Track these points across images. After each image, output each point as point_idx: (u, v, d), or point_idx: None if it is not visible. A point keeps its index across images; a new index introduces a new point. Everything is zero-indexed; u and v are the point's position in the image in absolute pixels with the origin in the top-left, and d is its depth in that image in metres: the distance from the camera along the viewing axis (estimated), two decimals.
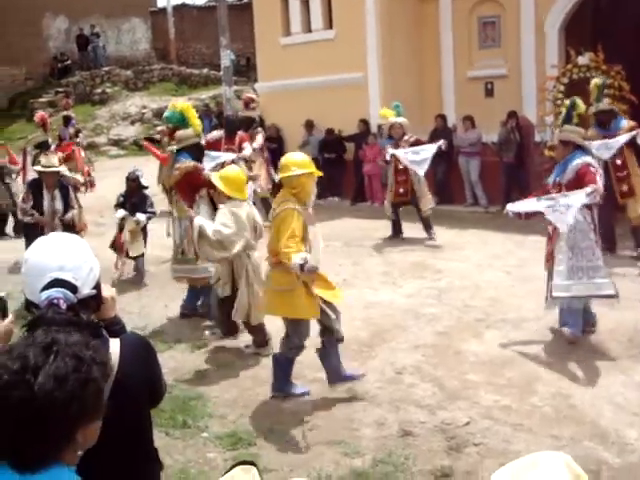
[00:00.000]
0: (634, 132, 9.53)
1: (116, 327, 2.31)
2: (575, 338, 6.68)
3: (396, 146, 11.27)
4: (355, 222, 13.27)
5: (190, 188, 7.86)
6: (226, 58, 16.50)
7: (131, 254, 9.65)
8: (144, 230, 9.88)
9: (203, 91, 26.61)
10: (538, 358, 6.51)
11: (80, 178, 11.15)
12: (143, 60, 29.61)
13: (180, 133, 8.05)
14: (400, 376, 6.27)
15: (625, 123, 9.84)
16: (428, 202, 11.43)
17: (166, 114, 8.60)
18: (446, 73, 15.71)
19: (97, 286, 2.22)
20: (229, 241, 6.56)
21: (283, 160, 5.85)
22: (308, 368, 6.51)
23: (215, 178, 6.86)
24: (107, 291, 2.32)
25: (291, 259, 5.32)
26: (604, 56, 12.23)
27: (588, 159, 6.70)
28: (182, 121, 8.13)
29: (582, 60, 12.40)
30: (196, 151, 8.05)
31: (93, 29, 28.25)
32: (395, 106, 11.66)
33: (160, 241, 12.19)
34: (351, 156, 15.55)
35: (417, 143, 11.40)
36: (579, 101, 7.21)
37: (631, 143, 9.73)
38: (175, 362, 6.88)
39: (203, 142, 8.77)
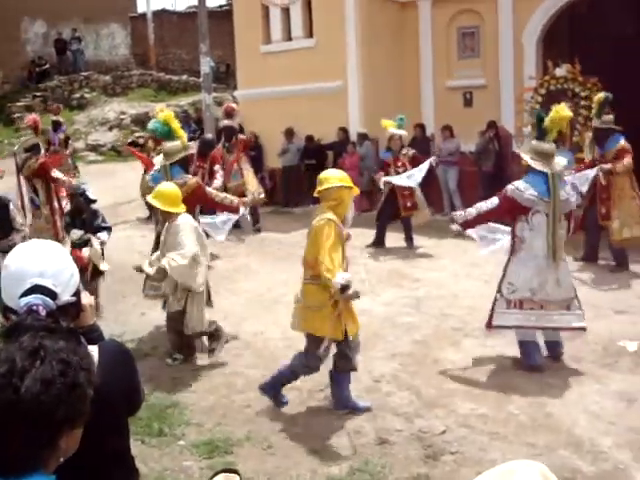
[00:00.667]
0: (605, 166, 9.57)
1: (94, 334, 2.30)
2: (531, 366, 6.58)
3: (395, 160, 11.33)
4: None
5: (194, 204, 7.81)
6: (206, 65, 16.51)
7: (102, 268, 9.04)
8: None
9: (182, 97, 26.55)
10: (515, 367, 6.56)
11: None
12: (122, 65, 29.49)
13: (169, 146, 7.90)
14: (377, 384, 6.28)
15: (619, 143, 9.78)
16: (425, 216, 11.57)
17: (151, 126, 8.41)
18: (425, 83, 15.83)
19: (77, 293, 2.21)
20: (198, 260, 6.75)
21: (322, 174, 5.80)
22: None
23: (150, 198, 6.96)
24: (86, 298, 2.31)
25: (333, 278, 5.30)
26: (581, 68, 12.38)
27: (518, 183, 6.58)
28: (168, 133, 7.98)
29: (559, 72, 12.54)
30: (186, 164, 8.05)
31: (74, 33, 28.07)
32: (399, 119, 11.68)
33: (138, 248, 12.17)
34: (330, 164, 15.56)
35: (415, 159, 11.48)
36: (543, 113, 6.97)
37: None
38: (152, 370, 6.84)
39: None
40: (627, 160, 9.60)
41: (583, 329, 6.57)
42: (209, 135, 14.32)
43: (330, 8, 15.26)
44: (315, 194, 5.74)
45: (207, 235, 7.87)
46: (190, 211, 7.81)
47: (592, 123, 10.04)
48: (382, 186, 11.42)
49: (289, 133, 15.86)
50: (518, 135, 13.77)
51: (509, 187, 6.58)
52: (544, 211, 6.36)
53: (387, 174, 11.49)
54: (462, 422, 5.52)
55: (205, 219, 8.53)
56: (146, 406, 5.92)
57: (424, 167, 11.18)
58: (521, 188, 6.45)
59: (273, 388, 5.90)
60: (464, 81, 15.38)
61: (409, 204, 11.46)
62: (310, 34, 15.91)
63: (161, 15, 31.09)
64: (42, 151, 10.93)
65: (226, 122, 12.95)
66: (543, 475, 1.59)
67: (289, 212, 15.36)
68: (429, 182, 14.42)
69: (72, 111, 25.67)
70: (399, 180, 11.12)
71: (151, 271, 6.76)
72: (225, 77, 28.23)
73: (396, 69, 15.91)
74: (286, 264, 10.68)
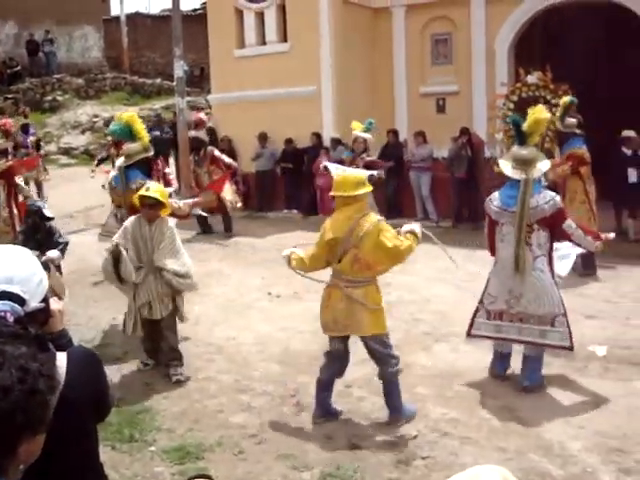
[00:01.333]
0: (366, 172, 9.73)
1: (63, 341, 2.28)
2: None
3: (353, 160, 11.33)
4: (307, 235, 13.27)
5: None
6: (179, 69, 16.45)
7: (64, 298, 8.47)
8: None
9: (156, 101, 26.45)
10: (486, 372, 6.60)
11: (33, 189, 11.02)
12: (95, 68, 29.28)
13: (128, 147, 7.75)
14: (349, 389, 6.29)
15: (573, 148, 9.90)
16: None
17: (111, 127, 8.23)
18: (399, 89, 15.91)
19: (45, 299, 2.19)
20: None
21: (353, 177, 5.73)
22: (258, 382, 6.51)
23: (158, 194, 6.62)
24: (55, 304, 2.29)
25: (414, 242, 5.58)
26: (552, 75, 12.51)
27: (492, 194, 6.51)
28: (128, 134, 7.78)
29: (531, 79, 12.66)
30: (145, 166, 7.84)
31: (47, 35, 27.83)
32: (368, 122, 11.69)
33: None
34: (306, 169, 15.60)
35: (368, 165, 11.40)
36: (519, 118, 6.70)
37: (577, 170, 9.92)
38: (123, 375, 6.81)
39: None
40: (564, 168, 9.76)
41: (567, 348, 6.23)
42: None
43: (304, 13, 15.29)
44: (350, 194, 5.57)
45: None
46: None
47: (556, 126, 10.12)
48: (321, 167, 11.28)
49: (262, 138, 15.84)
50: (490, 141, 13.90)
51: (486, 200, 6.57)
52: (510, 222, 6.20)
53: None
54: (433, 427, 5.55)
55: None
56: (117, 411, 5.88)
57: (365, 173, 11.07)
58: (492, 199, 6.41)
59: (401, 405, 5.70)
60: (437, 87, 15.48)
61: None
62: (284, 39, 15.92)
63: (135, 18, 30.91)
64: (10, 154, 10.82)
65: (193, 133, 12.85)
66: (505, 479, 1.61)
67: (263, 217, 15.34)
68: (402, 188, 14.53)
69: (44, 114, 25.44)
70: (335, 171, 10.95)
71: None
72: (199, 81, 28.15)
73: (370, 75, 15.99)
74: (259, 269, 10.68)
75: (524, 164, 6.23)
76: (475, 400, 6.02)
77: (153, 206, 6.59)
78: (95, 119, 24.82)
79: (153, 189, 6.68)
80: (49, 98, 26.10)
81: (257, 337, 7.76)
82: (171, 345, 6.81)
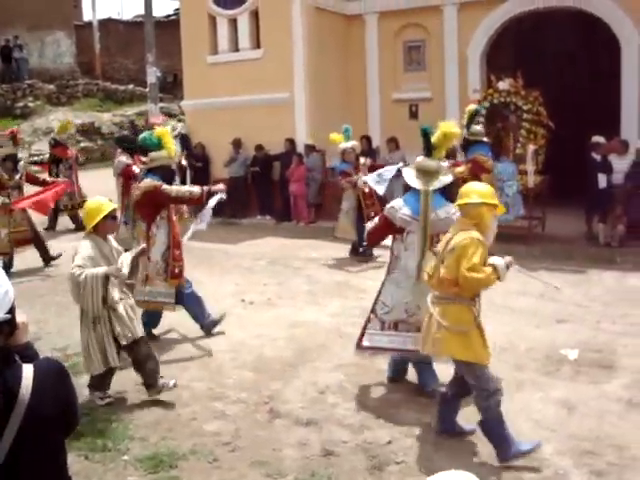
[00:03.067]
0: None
1: (29, 352, 2.26)
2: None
3: (356, 170, 11.34)
4: (280, 241, 13.31)
5: (150, 208, 7.66)
6: (152, 75, 16.43)
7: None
8: None
9: (129, 107, 26.34)
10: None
11: None
12: (67, 74, 29.07)
13: (153, 154, 7.81)
14: (323, 396, 6.29)
15: (474, 154, 10.03)
16: (346, 232, 11.62)
17: (143, 136, 8.28)
18: (372, 95, 16.00)
19: (11, 310, 2.17)
20: None
21: (464, 187, 5.41)
22: (232, 389, 6.49)
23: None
24: (20, 316, 2.27)
25: (488, 277, 4.95)
26: (525, 81, 12.64)
27: (395, 202, 6.45)
28: (157, 145, 7.86)
29: (502, 85, 12.79)
30: (166, 172, 7.85)
31: (16, 40, 27.58)
32: (345, 130, 11.69)
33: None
34: (278, 175, 15.59)
35: (373, 167, 11.54)
36: (429, 129, 6.65)
37: (476, 176, 9.88)
38: None
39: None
40: (460, 169, 9.91)
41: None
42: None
43: (277, 20, 15.31)
44: (454, 206, 5.43)
45: None
46: (147, 217, 7.73)
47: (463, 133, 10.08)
48: (367, 189, 11.29)
49: (237, 144, 15.83)
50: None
51: (387, 206, 6.45)
52: (416, 231, 6.18)
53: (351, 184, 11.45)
54: (407, 432, 5.56)
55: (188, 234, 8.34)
56: (89, 421, 5.85)
57: (392, 169, 10.96)
58: (396, 207, 6.29)
59: (510, 445, 5.09)
60: (410, 94, 15.60)
61: (373, 214, 11.43)
62: (257, 45, 15.94)
63: (107, 24, 30.81)
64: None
65: None
66: None
67: (236, 223, 15.31)
68: (375, 193, 14.56)
69: (15, 120, 25.20)
70: (372, 180, 10.99)
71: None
72: (172, 87, 28.08)
73: (343, 81, 16.05)
74: (233, 276, 10.66)
75: (425, 175, 6.24)
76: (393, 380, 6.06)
77: (115, 217, 6.44)
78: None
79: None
80: (20, 104, 25.90)
81: (231, 344, 7.73)
82: (156, 359, 6.41)
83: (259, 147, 15.60)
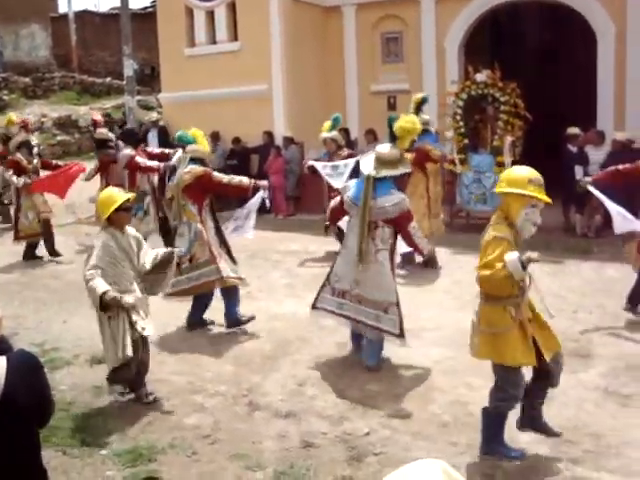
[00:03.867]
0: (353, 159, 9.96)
1: (3, 346, 2.25)
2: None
3: (330, 160, 11.24)
4: (259, 234, 13.21)
5: (199, 192, 7.79)
6: (129, 67, 16.30)
7: None
8: None
9: (106, 100, 26.11)
10: (437, 367, 6.66)
11: None
12: (43, 67, 28.73)
13: (192, 146, 8.00)
14: (302, 388, 6.30)
15: (425, 142, 9.86)
16: None
17: (180, 133, 8.40)
18: (350, 87, 16.00)
19: None
20: None
21: (504, 172, 5.26)
22: (211, 382, 6.48)
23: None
24: None
25: (495, 273, 4.62)
26: (502, 73, 12.69)
27: (349, 182, 6.97)
28: (192, 142, 8.08)
29: (480, 77, 12.82)
30: (205, 164, 8.02)
31: None
32: (333, 119, 11.49)
33: (63, 254, 11.92)
34: (256, 168, 15.55)
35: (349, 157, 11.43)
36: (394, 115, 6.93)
37: (422, 165, 9.98)
38: (74, 378, 6.72)
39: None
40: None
41: (396, 335, 6.52)
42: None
43: (255, 12, 15.26)
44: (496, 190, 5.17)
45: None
46: (198, 200, 7.80)
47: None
48: (306, 170, 11.24)
49: (215, 137, 15.76)
50: (440, 139, 14.02)
51: (344, 185, 7.00)
52: (356, 215, 6.56)
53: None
54: (386, 423, 5.59)
55: (228, 226, 8.39)
56: (68, 415, 5.83)
57: (351, 163, 10.97)
58: (347, 188, 6.79)
59: (496, 445, 5.02)
60: (388, 85, 15.61)
61: None
62: (235, 37, 15.88)
63: (83, 16, 30.46)
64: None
65: (99, 132, 12.83)
66: (445, 472, 1.63)
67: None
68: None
69: None
70: (323, 170, 10.90)
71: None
72: (150, 80, 27.87)
73: (321, 73, 16.03)
74: None
75: (382, 163, 6.51)
76: (426, 395, 6.07)
77: (129, 209, 6.22)
78: (43, 119, 24.37)
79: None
80: None
81: (210, 337, 7.72)
82: (146, 365, 6.22)
83: (236, 140, 15.55)
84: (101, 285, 5.58)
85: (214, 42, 16.17)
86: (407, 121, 6.68)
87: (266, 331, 7.80)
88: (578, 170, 12.23)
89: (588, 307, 8.40)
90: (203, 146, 8.13)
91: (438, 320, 7.92)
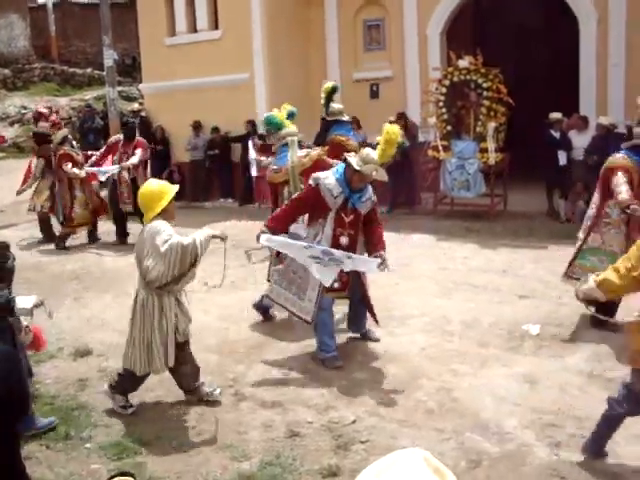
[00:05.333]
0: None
1: None
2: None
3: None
4: (243, 224, 13.22)
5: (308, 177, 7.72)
6: (109, 58, 16.13)
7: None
8: None
9: (87, 91, 25.90)
10: (422, 354, 6.67)
11: None
12: (22, 58, 28.41)
13: (283, 132, 8.27)
14: (287, 377, 6.29)
15: (339, 133, 9.47)
16: None
17: (268, 116, 8.67)
18: (332, 75, 15.89)
19: None
20: None
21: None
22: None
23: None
24: None
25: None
26: (484, 59, 12.66)
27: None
28: (278, 125, 8.38)
29: (462, 63, 12.79)
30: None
31: None
32: (289, 114, 11.22)
33: (40, 247, 11.84)
34: (238, 158, 15.48)
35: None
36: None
37: (338, 157, 9.79)
38: (57, 371, 6.67)
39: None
40: (319, 152, 9.21)
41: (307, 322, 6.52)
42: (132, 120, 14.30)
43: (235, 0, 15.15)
44: None
45: None
46: (306, 185, 7.63)
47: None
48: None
49: (197, 126, 15.69)
50: (423, 125, 14.05)
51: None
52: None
53: None
54: (372, 411, 5.58)
55: None
56: (51, 409, 5.78)
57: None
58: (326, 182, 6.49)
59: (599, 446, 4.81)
60: (371, 73, 15.55)
61: None
62: (215, 26, 15.76)
63: (62, 6, 30.09)
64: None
65: (40, 126, 12.92)
66: (426, 461, 1.61)
67: (199, 207, 15.21)
68: None
69: None
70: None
71: None
72: (132, 70, 27.65)
73: (303, 61, 15.94)
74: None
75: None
76: (411, 383, 6.07)
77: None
78: (24, 111, 24.14)
79: None
80: None
81: (195, 328, 7.62)
82: (195, 363, 5.98)
83: (215, 129, 15.48)
84: (186, 239, 5.37)
85: (195, 31, 16.04)
86: (387, 135, 6.79)
87: (250, 321, 7.78)
88: (561, 155, 12.28)
89: (572, 292, 8.40)
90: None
91: (422, 307, 7.93)
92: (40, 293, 9.01)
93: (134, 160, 11.72)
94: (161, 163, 15.80)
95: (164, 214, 5.57)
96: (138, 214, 11.39)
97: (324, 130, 9.73)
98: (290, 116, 11.08)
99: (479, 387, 5.97)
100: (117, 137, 12.45)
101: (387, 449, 4.91)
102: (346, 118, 9.85)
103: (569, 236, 11.07)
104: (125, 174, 11.83)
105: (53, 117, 15.04)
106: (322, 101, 9.67)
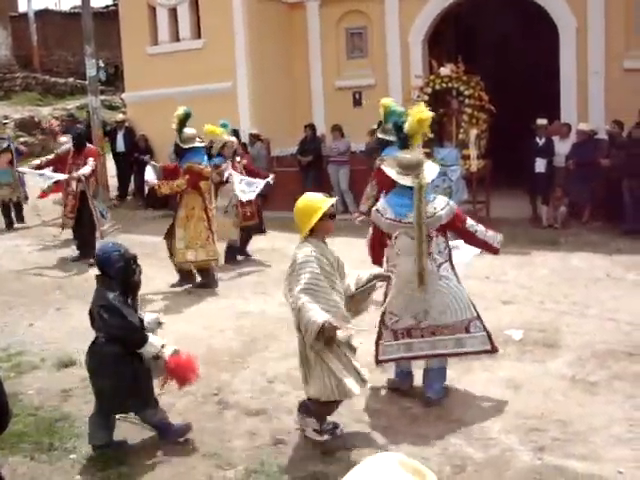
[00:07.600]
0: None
1: None
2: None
3: (233, 166, 10.88)
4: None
5: None
6: (91, 67, 16.07)
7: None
8: None
9: (70, 101, 25.80)
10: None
11: None
12: (3, 67, 28.24)
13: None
14: (272, 385, 6.29)
15: (193, 160, 9.49)
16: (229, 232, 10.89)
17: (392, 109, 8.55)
18: (315, 83, 15.98)
19: None
20: None
21: None
22: None
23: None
24: None
25: None
26: (466, 66, 12.76)
27: (379, 204, 6.10)
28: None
29: (444, 71, 12.89)
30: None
31: None
32: (222, 125, 11.11)
33: (26, 257, 11.77)
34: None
35: (248, 168, 11.16)
36: (401, 120, 6.42)
37: (196, 185, 9.47)
38: (40, 382, 6.62)
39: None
40: (180, 182, 9.37)
41: (489, 351, 5.91)
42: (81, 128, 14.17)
43: (218, 9, 15.18)
44: None
45: None
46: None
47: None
48: (226, 176, 10.57)
49: None
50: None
51: (373, 211, 6.02)
52: (404, 233, 5.71)
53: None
54: (357, 418, 5.59)
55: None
56: (35, 420, 5.75)
57: (261, 183, 10.78)
58: (380, 210, 5.86)
59: None
60: (353, 81, 15.64)
61: (249, 213, 11.02)
62: (198, 35, 15.79)
63: (44, 15, 29.96)
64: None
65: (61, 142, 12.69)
66: (402, 464, 1.62)
67: None
68: (321, 182, 14.57)
69: None
70: (239, 185, 10.58)
71: None
72: (114, 79, 27.58)
73: (286, 69, 15.99)
74: None
75: (409, 169, 5.72)
76: (397, 389, 6.08)
77: (334, 215, 5.38)
78: (5, 120, 23.97)
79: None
80: None
81: (178, 337, 7.62)
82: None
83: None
84: (318, 313, 4.80)
85: (177, 40, 16.06)
86: (418, 115, 5.92)
87: (234, 329, 7.78)
88: (539, 163, 12.36)
89: (555, 297, 8.49)
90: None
91: None
92: (22, 303, 9.03)
93: (85, 171, 11.01)
94: (144, 172, 15.72)
95: (316, 231, 5.16)
96: (78, 232, 11.36)
97: (180, 157, 9.65)
98: (224, 127, 10.96)
99: (462, 393, 6.00)
100: (67, 147, 11.62)
101: (371, 455, 4.93)
102: (200, 144, 9.65)
103: (551, 242, 11.20)
104: (73, 185, 11.15)
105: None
106: (174, 127, 9.54)
